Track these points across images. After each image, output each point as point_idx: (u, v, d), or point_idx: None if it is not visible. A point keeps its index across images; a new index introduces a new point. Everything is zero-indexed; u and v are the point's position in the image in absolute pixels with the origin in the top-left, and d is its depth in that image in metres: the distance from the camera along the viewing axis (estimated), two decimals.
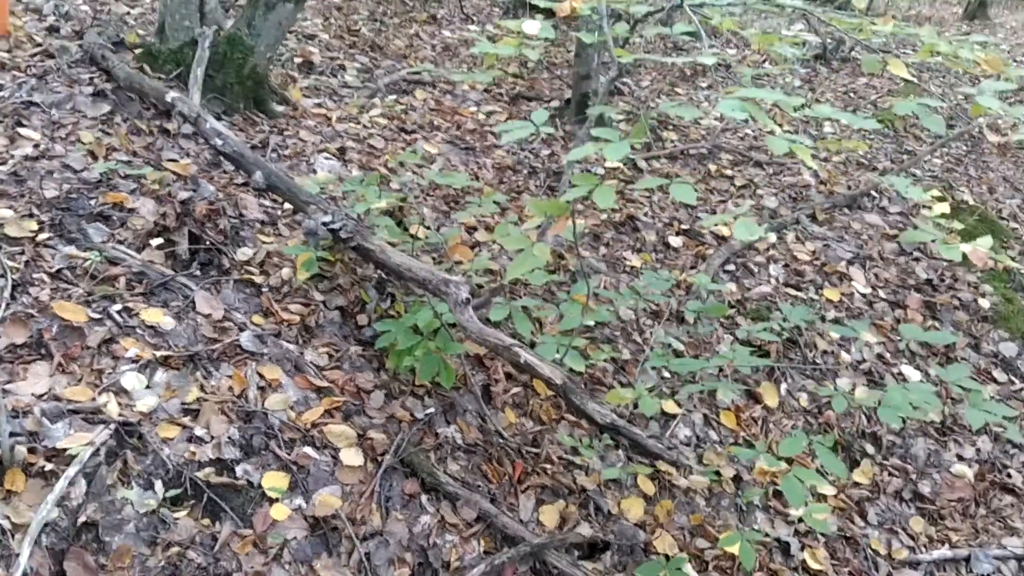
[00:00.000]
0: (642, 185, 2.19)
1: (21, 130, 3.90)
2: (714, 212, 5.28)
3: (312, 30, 7.05)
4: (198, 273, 3.39)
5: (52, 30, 5.24)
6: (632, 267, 4.48)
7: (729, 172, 5.79)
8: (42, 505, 2.32)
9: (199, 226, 3.49)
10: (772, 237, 5.07)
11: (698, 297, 4.34)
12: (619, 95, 7.09)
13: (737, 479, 3.65)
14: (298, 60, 6.04)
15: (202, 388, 2.87)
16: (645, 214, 4.98)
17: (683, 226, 4.96)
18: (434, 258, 4.01)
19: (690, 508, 3.46)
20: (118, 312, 2.99)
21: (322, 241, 3.16)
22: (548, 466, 3.27)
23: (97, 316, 2.93)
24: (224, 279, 3.40)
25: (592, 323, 3.07)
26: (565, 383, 2.32)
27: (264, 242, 3.71)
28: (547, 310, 3.33)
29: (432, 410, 3.21)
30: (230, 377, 2.95)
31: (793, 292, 4.65)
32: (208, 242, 3.47)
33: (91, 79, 4.49)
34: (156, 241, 3.24)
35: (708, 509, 3.50)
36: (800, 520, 3.59)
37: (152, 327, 3.00)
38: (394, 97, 5.81)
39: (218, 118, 4.61)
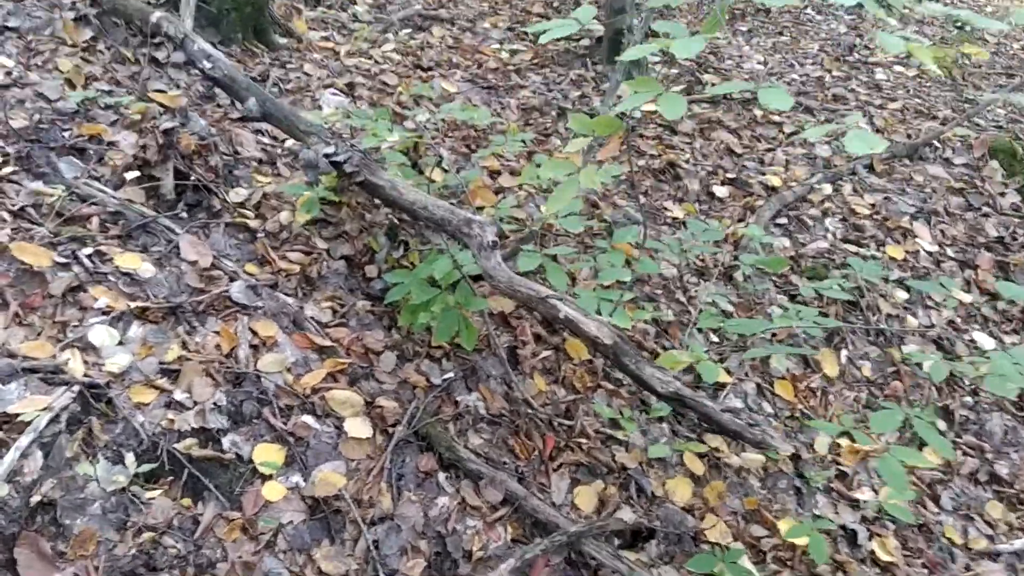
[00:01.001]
0: (714, 91, 1.76)
1: None
2: (761, 161, 4.83)
3: None
4: (184, 215, 3.01)
5: None
6: (674, 218, 4.06)
7: (776, 118, 5.32)
8: None
9: (187, 162, 3.09)
10: (827, 188, 4.62)
11: (749, 251, 3.91)
12: (654, 37, 6.59)
13: (795, 458, 3.26)
14: None
15: (184, 345, 2.50)
16: (687, 161, 4.55)
17: (729, 174, 4.52)
18: (453, 204, 3.60)
19: (743, 490, 3.08)
20: (88, 256, 2.61)
21: (324, 178, 2.76)
22: (583, 441, 2.89)
23: (63, 260, 2.56)
24: (214, 222, 3.01)
25: (630, 279, 2.66)
26: (616, 343, 1.93)
27: (261, 182, 3.31)
28: (582, 262, 2.92)
29: (451, 375, 2.83)
30: (217, 333, 2.57)
31: (852, 248, 4.21)
32: (197, 180, 3.08)
33: (73, 3, 4.07)
34: (132, 175, 2.84)
35: (763, 491, 3.11)
36: (867, 505, 3.20)
37: (128, 274, 2.63)
38: (408, 32, 5.35)
39: (213, 47, 4.20)
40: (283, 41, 4.59)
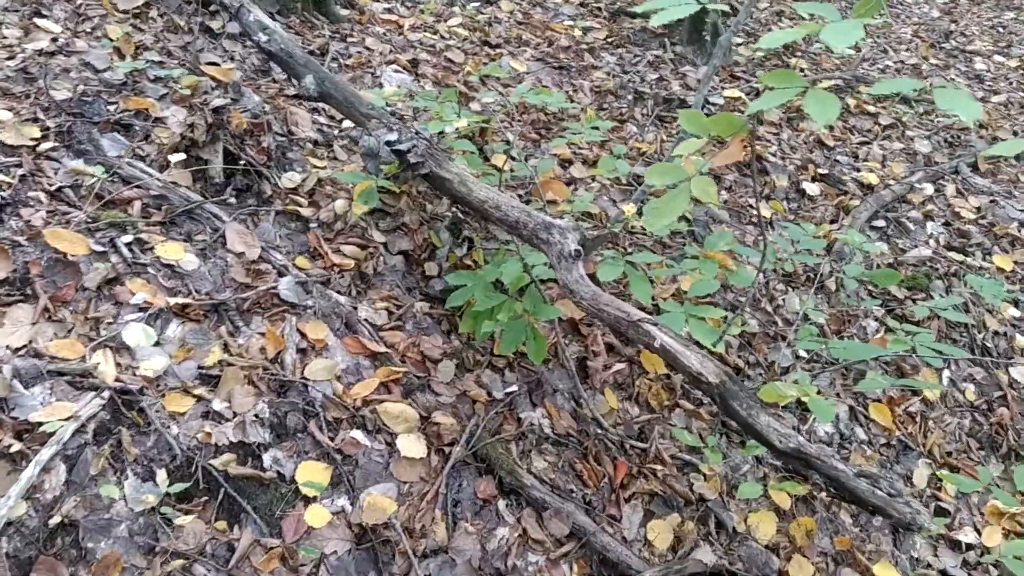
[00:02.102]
0: (875, 90, 1.46)
1: (39, 20, 3.32)
2: (855, 155, 4.46)
3: None
4: (232, 200, 2.80)
5: None
6: (762, 216, 3.71)
7: (872, 108, 4.92)
8: (3, 499, 1.77)
9: (237, 143, 2.88)
10: (928, 188, 4.23)
11: (844, 258, 3.57)
12: (732, 15, 6.20)
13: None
14: None
15: (226, 348, 2.28)
16: (774, 154, 4.20)
17: (820, 170, 4.17)
18: (520, 195, 3.33)
19: (833, 527, 2.77)
20: (127, 245, 2.42)
21: (384, 166, 2.51)
22: (658, 467, 2.62)
23: (100, 249, 2.36)
24: (264, 209, 2.80)
25: (715, 287, 2.37)
26: (724, 382, 1.64)
27: (316, 167, 3.09)
28: (662, 267, 2.63)
29: (515, 388, 2.58)
30: (263, 335, 2.36)
31: (957, 256, 3.83)
32: (247, 163, 2.86)
33: None
34: (177, 157, 2.63)
35: (856, 529, 2.81)
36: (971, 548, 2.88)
37: (169, 266, 2.42)
38: (476, 5, 5.07)
39: (270, 17, 3.98)
40: (345, 13, 4.35)
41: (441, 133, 3.07)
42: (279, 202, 2.86)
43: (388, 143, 2.35)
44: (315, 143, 3.25)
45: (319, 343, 2.41)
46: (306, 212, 2.85)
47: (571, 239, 1.92)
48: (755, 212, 3.72)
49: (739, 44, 5.39)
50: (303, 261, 2.69)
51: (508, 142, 3.58)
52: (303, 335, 2.41)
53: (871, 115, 4.87)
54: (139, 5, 3.63)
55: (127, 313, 2.23)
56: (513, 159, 3.34)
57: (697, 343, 1.89)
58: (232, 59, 3.55)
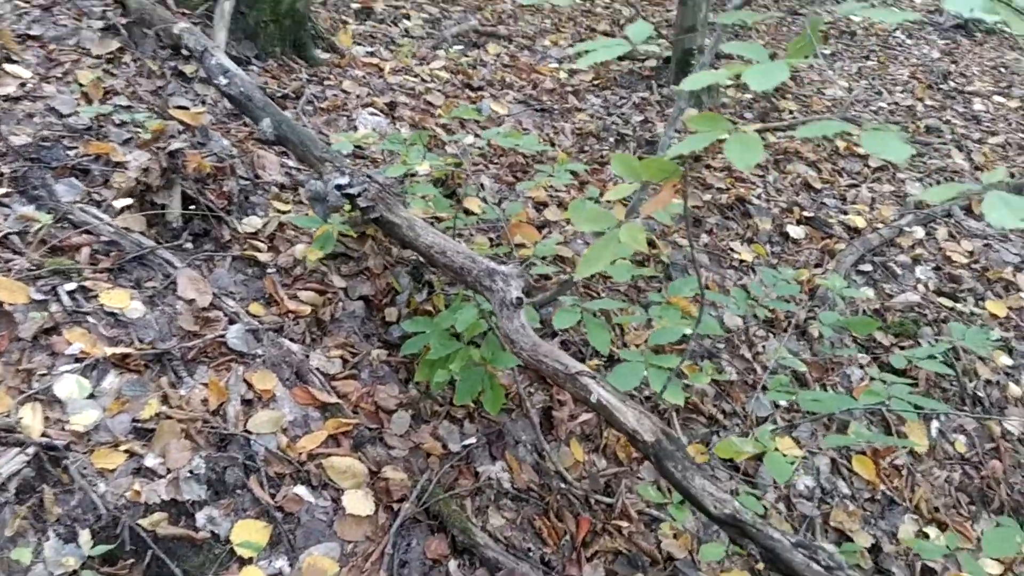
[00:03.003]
0: (803, 132, 1.38)
1: (9, 67, 3.31)
2: (843, 198, 4.38)
3: None
4: (189, 246, 2.74)
5: None
6: (741, 261, 3.64)
7: (861, 150, 4.85)
8: None
9: (197, 187, 2.83)
10: (919, 231, 4.15)
11: (826, 303, 3.48)
12: (727, 59, 6.18)
13: (875, 549, 2.81)
14: (355, 6, 5.38)
15: (166, 400, 2.20)
16: (758, 196, 4.13)
17: (805, 212, 4.09)
18: (491, 239, 3.27)
19: None
20: (70, 293, 2.35)
21: (333, 209, 2.45)
22: (624, 524, 2.51)
23: (41, 297, 2.30)
24: (220, 255, 2.74)
25: (687, 333, 2.28)
26: (659, 440, 1.55)
27: (279, 211, 3.03)
28: (631, 315, 2.55)
29: (472, 440, 2.49)
30: (206, 385, 2.28)
31: (947, 303, 3.73)
32: (206, 207, 2.82)
33: (103, 12, 3.90)
34: (125, 202, 2.58)
35: None
36: None
37: (112, 314, 2.36)
38: (461, 48, 5.07)
39: (247, 63, 3.98)
40: (325, 56, 4.35)
41: (410, 176, 3.03)
42: (237, 246, 2.80)
43: (338, 187, 2.30)
44: (281, 187, 3.20)
45: (266, 394, 2.33)
46: (264, 257, 2.80)
47: (514, 286, 1.85)
48: (737, 256, 3.64)
49: (728, 85, 5.36)
50: (257, 308, 2.62)
51: (482, 185, 3.53)
52: (249, 385, 2.33)
53: (861, 157, 4.81)
54: (113, 50, 3.63)
55: (62, 364, 2.16)
56: (484, 201, 3.29)
57: (649, 399, 1.80)
58: (203, 103, 3.53)
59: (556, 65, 5.20)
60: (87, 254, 2.51)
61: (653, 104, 4.91)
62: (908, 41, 8.30)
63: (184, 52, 3.55)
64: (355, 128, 3.78)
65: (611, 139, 4.38)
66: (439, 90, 4.36)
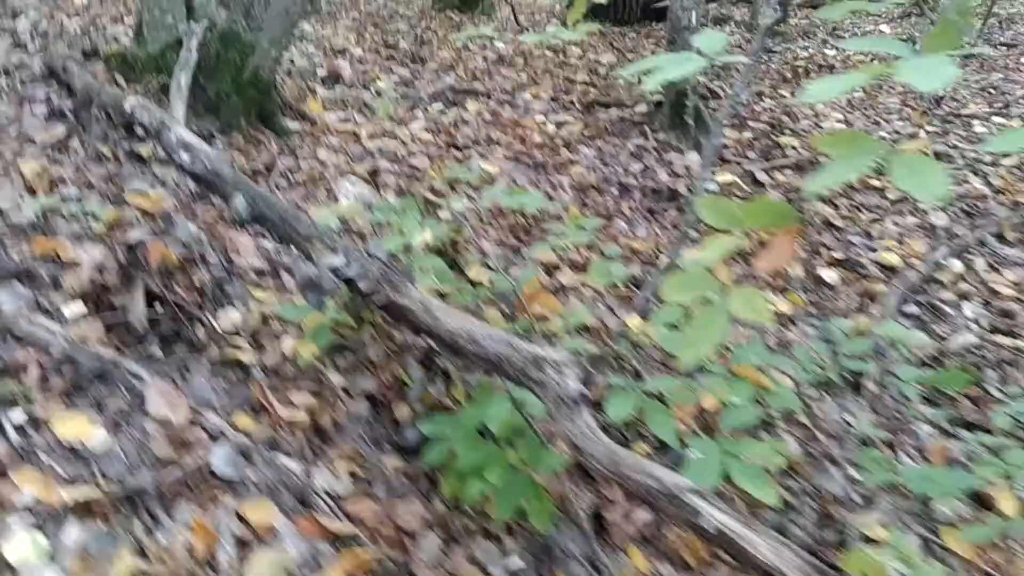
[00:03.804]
0: (828, 181, 1.05)
1: None
2: (867, 234, 4.11)
3: (343, 44, 6.15)
4: (157, 352, 2.37)
5: (17, 47, 4.39)
6: (778, 314, 3.33)
7: (876, 183, 4.61)
8: None
9: (163, 282, 2.47)
10: (956, 264, 3.87)
11: (880, 353, 3.16)
12: (714, 98, 5.99)
13: None
14: (322, 72, 5.10)
15: (142, 551, 1.80)
16: None
17: (835, 253, 3.80)
18: (504, 312, 2.92)
19: None
20: (18, 426, 1.96)
21: (331, 297, 2.09)
22: None
23: None
24: (196, 359, 2.36)
25: (755, 417, 1.94)
26: None
27: (259, 300, 2.67)
28: (684, 392, 2.20)
29: (517, 562, 2.09)
30: (190, 528, 1.88)
31: (1006, 341, 3.43)
32: (175, 304, 2.45)
33: (48, 97, 3.58)
34: (77, 310, 2.21)
35: None
36: None
37: (71, 448, 1.96)
38: (440, 108, 4.80)
39: (210, 137, 3.65)
40: (294, 126, 4.04)
41: (406, 249, 2.69)
42: (215, 348, 2.43)
43: (333, 269, 1.95)
44: (259, 273, 2.84)
45: (265, 530, 1.93)
46: (248, 358, 2.42)
47: (570, 377, 1.50)
48: (772, 307, 3.33)
49: (725, 126, 5.13)
50: (244, 420, 2.23)
51: (484, 252, 3.20)
52: (243, 521, 1.94)
53: (877, 189, 4.56)
54: (59, 136, 3.29)
55: (11, 517, 1.76)
56: (491, 269, 2.95)
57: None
58: (164, 185, 3.19)
59: (542, 118, 4.93)
60: (36, 375, 2.12)
61: (650, 151, 4.65)
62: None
63: (139, 131, 3.22)
64: (336, 200, 3.45)
65: (613, 190, 4.09)
66: (423, 152, 4.06)
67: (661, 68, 1.30)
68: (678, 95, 4.70)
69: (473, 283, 3.02)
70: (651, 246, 3.58)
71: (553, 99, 5.46)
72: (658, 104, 5.08)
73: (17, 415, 1.98)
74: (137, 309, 2.37)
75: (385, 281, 1.92)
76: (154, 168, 3.26)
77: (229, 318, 2.55)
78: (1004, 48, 9.64)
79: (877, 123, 5.92)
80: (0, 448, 1.89)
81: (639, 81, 4.94)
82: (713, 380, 2.17)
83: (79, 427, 2.00)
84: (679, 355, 1.18)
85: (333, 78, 5.13)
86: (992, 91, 7.39)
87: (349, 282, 1.96)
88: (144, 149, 3.32)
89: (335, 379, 2.44)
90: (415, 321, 1.88)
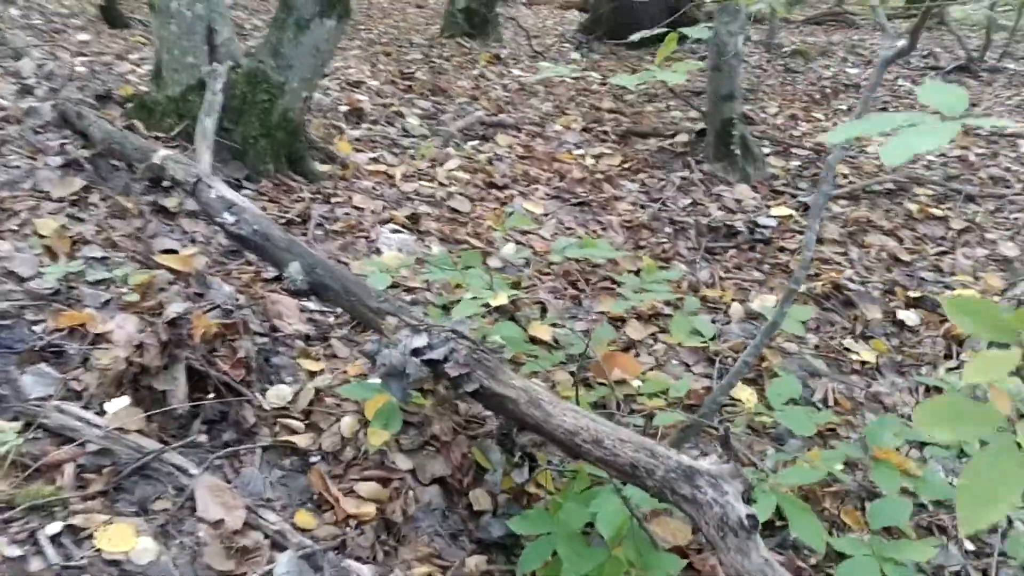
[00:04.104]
0: None
1: None
2: (938, 269, 3.87)
3: (358, 76, 5.94)
4: (203, 439, 2.11)
5: (25, 92, 4.17)
6: (863, 363, 3.08)
7: (938, 212, 4.38)
8: None
9: (204, 357, 2.22)
10: None
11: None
12: (749, 123, 5.77)
13: None
14: (343, 109, 4.89)
15: None
16: (851, 279, 3.59)
17: (910, 292, 3.56)
18: (573, 375, 2.67)
19: None
20: (54, 538, 1.71)
21: (415, 384, 1.85)
22: None
23: (16, 553, 1.65)
24: (246, 447, 2.11)
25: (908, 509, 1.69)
26: None
27: (311, 372, 2.43)
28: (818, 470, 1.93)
29: None
30: None
31: None
32: (220, 382, 2.20)
33: (62, 146, 3.35)
34: (119, 404, 1.96)
35: None
36: None
37: (115, 562, 1.71)
38: (473, 144, 4.58)
39: (238, 186, 3.42)
40: (324, 168, 3.81)
41: (486, 312, 2.45)
42: (266, 431, 2.18)
43: (416, 352, 1.70)
44: (307, 338, 2.60)
45: None
46: (303, 441, 2.17)
47: (733, 495, 1.25)
48: (855, 356, 3.08)
49: (768, 154, 4.91)
50: (306, 517, 1.98)
51: (543, 306, 2.95)
52: None
53: (939, 219, 4.33)
54: (77, 190, 3.06)
55: None
56: (556, 327, 2.71)
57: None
58: (193, 241, 2.95)
59: (580, 152, 4.71)
60: (71, 473, 1.87)
61: (697, 184, 4.42)
62: (916, 89, 8.02)
63: (167, 183, 2.99)
64: (378, 250, 3.22)
65: (667, 229, 3.86)
66: (461, 193, 3.83)
67: (904, 137, 1.06)
68: (723, 124, 4.48)
69: (535, 340, 2.78)
70: (718, 292, 3.33)
71: (585, 130, 5.24)
72: (699, 133, 4.86)
73: (53, 526, 1.73)
74: (179, 392, 2.12)
75: (475, 363, 1.68)
76: (182, 222, 3.02)
77: (279, 394, 2.30)
78: None
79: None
80: (37, 567, 1.64)
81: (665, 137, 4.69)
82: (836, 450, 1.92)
83: (123, 537, 1.75)
84: (966, 525, 0.90)
85: (356, 113, 4.91)
86: None
87: (432, 365, 1.71)
88: (170, 202, 3.08)
89: (401, 462, 2.19)
90: (517, 414, 1.63)
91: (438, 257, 2.60)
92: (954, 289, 3.66)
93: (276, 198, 3.43)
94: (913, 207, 4.39)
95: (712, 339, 2.49)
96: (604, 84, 7.04)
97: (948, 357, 3.23)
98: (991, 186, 4.86)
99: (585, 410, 1.55)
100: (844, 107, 6.92)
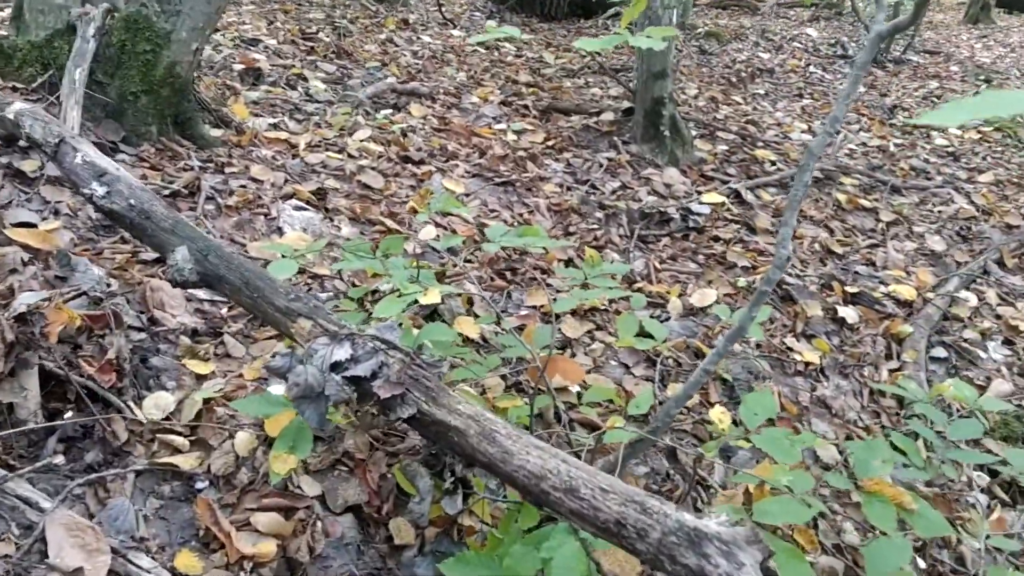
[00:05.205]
0: None
1: None
2: (871, 262, 3.76)
3: (254, 34, 5.44)
4: (59, 461, 1.72)
5: None
6: (807, 364, 2.89)
7: (866, 203, 4.28)
8: None
9: (65, 357, 1.82)
10: (972, 298, 3.55)
11: (912, 414, 2.77)
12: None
13: None
14: (238, 68, 4.41)
15: None
16: (787, 272, 3.42)
17: (847, 287, 3.41)
18: (505, 377, 2.37)
19: None
20: None
21: (337, 410, 1.51)
22: None
23: None
24: (115, 470, 1.73)
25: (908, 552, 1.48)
26: None
27: (198, 374, 2.05)
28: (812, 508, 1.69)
29: None
30: None
31: None
32: (82, 390, 1.81)
33: None
34: None
35: None
36: None
37: None
38: (385, 114, 4.20)
39: (114, 149, 2.96)
40: (217, 133, 3.38)
41: (409, 310, 2.11)
42: (141, 450, 1.80)
43: (336, 367, 1.37)
44: (194, 333, 2.21)
45: None
46: (188, 462, 1.80)
47: (751, 567, 0.98)
48: (798, 357, 2.90)
49: (696, 136, 4.71)
50: (189, 559, 1.62)
51: (470, 299, 2.64)
52: None
53: (868, 210, 4.23)
54: None
55: None
56: (500, 326, 2.41)
57: None
58: (56, 213, 2.50)
59: (502, 127, 4.39)
60: None
61: (625, 166, 4.17)
62: (827, 76, 8.06)
63: (23, 144, 2.52)
64: (279, 230, 2.83)
65: (597, 214, 3.60)
66: (373, 168, 3.46)
67: (976, 104, 0.79)
68: (654, 103, 4.24)
69: (465, 339, 2.47)
70: (656, 285, 3.09)
71: (504, 103, 4.92)
72: (626, 112, 4.62)
73: None
74: (31, 401, 1.72)
75: (413, 383, 1.35)
76: (42, 191, 2.56)
77: (158, 404, 1.92)
78: (928, 56, 9.72)
79: (838, 133, 5.64)
80: None
81: (590, 115, 4.38)
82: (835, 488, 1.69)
83: None
84: None
85: (252, 73, 4.45)
86: (935, 99, 7.29)
87: (357, 382, 1.38)
88: (28, 165, 2.61)
89: (307, 486, 1.85)
90: (466, 449, 1.31)
91: (353, 241, 2.25)
92: (888, 285, 3.54)
93: (159, 165, 2.98)
94: (842, 197, 4.27)
95: (663, 341, 2.24)
96: (519, 56, 6.74)
97: (889, 357, 3.09)
98: (913, 177, 4.82)
99: (550, 448, 1.25)
100: (762, 91, 6.83)
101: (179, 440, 1.84)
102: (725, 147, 4.72)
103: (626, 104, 4.75)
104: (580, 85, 5.87)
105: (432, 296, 1.87)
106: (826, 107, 6.48)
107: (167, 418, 1.90)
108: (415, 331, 1.90)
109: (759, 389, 2.71)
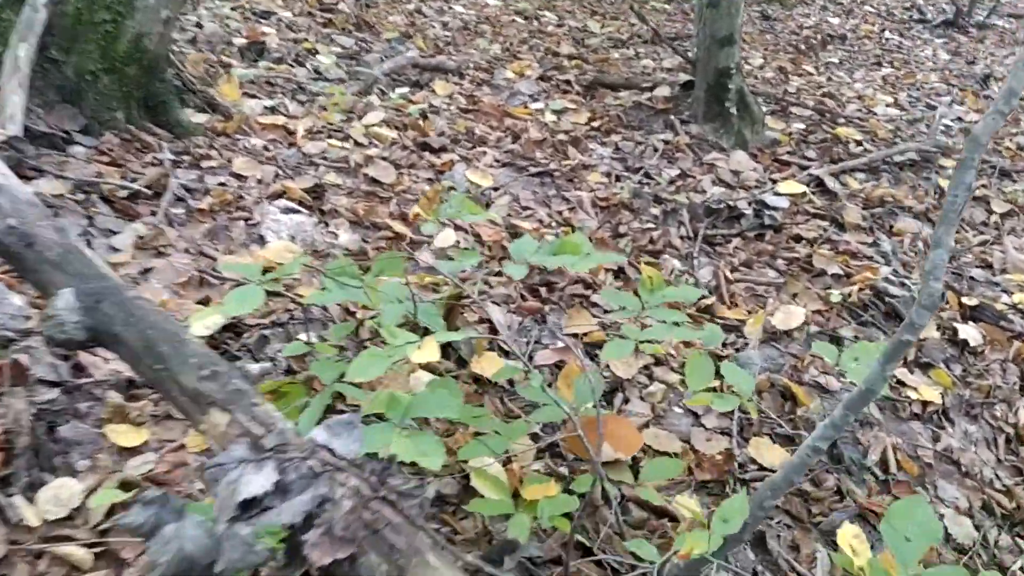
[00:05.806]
0: None
1: None
2: (987, 264, 3.13)
3: (267, 6, 4.93)
4: None
5: None
6: (923, 403, 2.30)
7: (979, 192, 3.63)
8: None
9: None
10: None
11: None
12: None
13: None
14: (240, 42, 3.91)
15: None
16: (889, 279, 2.81)
17: (965, 299, 2.79)
18: (538, 437, 1.82)
19: None
20: None
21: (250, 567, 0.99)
22: None
23: None
24: None
25: None
26: None
27: (122, 447, 1.55)
28: None
29: None
30: None
31: None
32: None
33: None
34: None
35: None
36: None
37: None
38: (403, 93, 3.66)
39: (67, 140, 2.47)
40: (200, 119, 2.87)
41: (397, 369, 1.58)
42: (23, 571, 1.30)
43: (247, 505, 0.85)
44: (129, 386, 1.71)
45: None
46: None
47: None
48: (916, 396, 2.30)
49: (767, 113, 4.08)
50: None
51: (490, 322, 2.10)
52: None
53: (977, 199, 3.58)
54: None
55: None
56: (530, 376, 1.86)
57: None
58: None
59: (539, 106, 3.82)
60: None
61: (684, 150, 3.58)
62: (906, 42, 7.32)
63: None
64: (261, 238, 2.31)
65: (651, 209, 3.02)
66: (384, 157, 2.93)
67: None
68: (718, 75, 3.63)
69: (477, 380, 1.94)
70: (739, 312, 2.50)
71: (542, 78, 4.35)
72: (684, 86, 4.01)
73: None
74: None
75: (370, 535, 0.82)
76: None
77: (59, 497, 1.42)
78: (1013, 20, 8.90)
79: (931, 106, 4.95)
80: None
81: (642, 91, 3.73)
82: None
83: None
84: None
85: (256, 48, 3.94)
86: None
87: (293, 532, 0.85)
88: None
89: None
90: None
91: (336, 264, 1.71)
92: (1012, 294, 2.91)
93: (122, 159, 2.48)
94: (943, 183, 3.63)
95: (749, 399, 1.66)
96: (561, 26, 6.14)
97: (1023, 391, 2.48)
98: (1023, 158, 4.14)
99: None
100: (835, 60, 6.15)
101: (79, 554, 1.34)
102: (801, 125, 4.09)
103: (684, 77, 4.14)
104: (630, 56, 5.26)
105: (428, 351, 1.33)
106: (909, 77, 5.78)
107: (69, 517, 1.40)
108: (405, 396, 1.36)
109: (865, 440, 2.12)
